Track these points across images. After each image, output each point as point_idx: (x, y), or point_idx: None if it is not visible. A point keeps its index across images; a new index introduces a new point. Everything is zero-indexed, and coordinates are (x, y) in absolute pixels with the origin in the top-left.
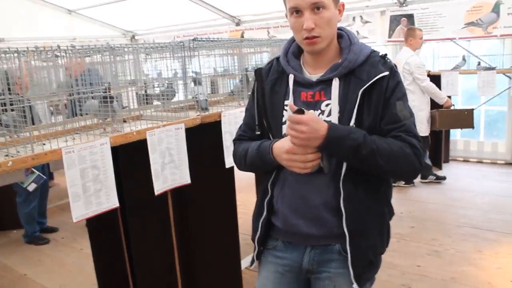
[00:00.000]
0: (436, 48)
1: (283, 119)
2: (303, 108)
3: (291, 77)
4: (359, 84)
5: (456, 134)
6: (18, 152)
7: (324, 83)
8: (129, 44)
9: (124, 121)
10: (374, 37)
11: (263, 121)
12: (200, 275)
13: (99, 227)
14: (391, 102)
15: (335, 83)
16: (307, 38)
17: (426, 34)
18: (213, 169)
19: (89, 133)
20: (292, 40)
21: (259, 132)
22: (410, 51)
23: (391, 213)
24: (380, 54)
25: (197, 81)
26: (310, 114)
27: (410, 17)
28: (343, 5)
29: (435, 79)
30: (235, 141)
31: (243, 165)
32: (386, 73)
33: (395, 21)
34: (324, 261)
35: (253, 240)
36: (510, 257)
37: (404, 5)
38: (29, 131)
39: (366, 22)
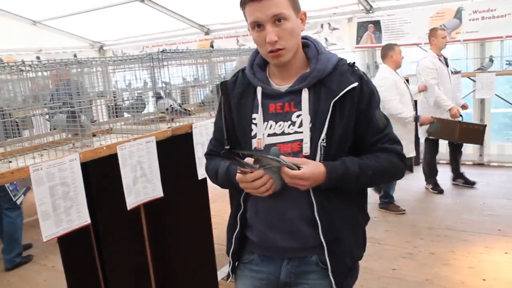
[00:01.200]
0: (403, 53)
1: (252, 133)
2: (296, 165)
3: (259, 90)
4: (330, 95)
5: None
6: None
7: (293, 94)
8: (96, 58)
9: (94, 135)
10: (343, 43)
11: (231, 135)
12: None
13: (71, 243)
14: (371, 114)
15: (305, 94)
16: (271, 51)
17: (393, 40)
18: (186, 181)
19: (57, 148)
20: (257, 51)
21: (228, 147)
22: (431, 52)
23: (366, 218)
24: (348, 63)
25: (166, 93)
26: (307, 163)
27: (377, 24)
28: (305, 13)
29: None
30: (206, 155)
31: (215, 183)
32: (355, 84)
33: (362, 27)
34: (302, 272)
35: (228, 254)
36: (480, 256)
37: (370, 12)
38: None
39: (334, 29)
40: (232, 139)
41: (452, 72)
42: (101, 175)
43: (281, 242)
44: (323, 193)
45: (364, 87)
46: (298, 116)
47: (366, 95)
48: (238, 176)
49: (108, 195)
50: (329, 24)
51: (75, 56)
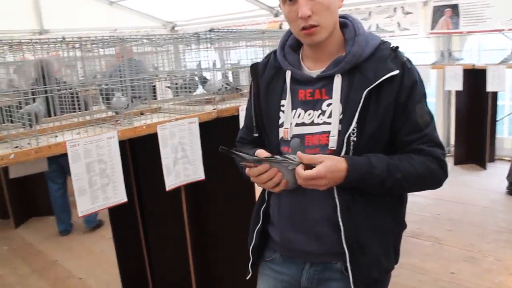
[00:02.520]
0: (482, 40)
1: (280, 121)
2: (311, 164)
3: (288, 74)
4: (365, 83)
5: (503, 132)
6: (29, 144)
7: (326, 80)
8: (145, 36)
9: (142, 114)
10: (416, 28)
11: (259, 123)
12: (214, 268)
13: (120, 219)
14: (410, 108)
15: (337, 80)
16: (304, 28)
17: (472, 26)
18: (230, 164)
19: (103, 126)
20: (290, 32)
21: (257, 134)
22: None
23: (401, 226)
24: (391, 47)
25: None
26: (323, 161)
27: (454, 8)
28: None
29: (480, 73)
30: (237, 143)
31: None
32: (396, 72)
33: (438, 11)
34: (324, 279)
35: (249, 249)
36: None
37: None
38: (33, 124)
39: (408, 13)
40: (260, 127)
41: None
42: (144, 154)
43: (302, 244)
44: (349, 193)
45: (406, 76)
46: (328, 105)
47: (407, 85)
48: (247, 169)
49: (153, 173)
50: (402, 7)
51: (146, 34)
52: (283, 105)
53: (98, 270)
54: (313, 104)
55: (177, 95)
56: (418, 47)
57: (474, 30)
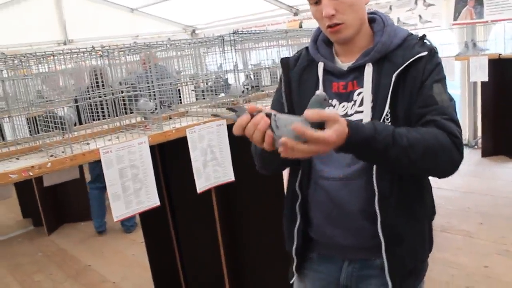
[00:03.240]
0: (509, 29)
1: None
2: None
3: (320, 65)
4: (393, 68)
5: None
6: (63, 152)
7: (357, 71)
8: (165, 41)
9: (170, 118)
10: (439, 20)
11: (290, 112)
12: (247, 270)
13: (151, 222)
14: (427, 83)
15: (368, 68)
16: (329, 26)
17: (497, 14)
18: None
19: (133, 131)
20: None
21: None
22: None
23: (431, 212)
24: (419, 36)
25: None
26: (336, 126)
27: None
28: None
29: (507, 63)
30: None
31: (256, 161)
32: (425, 53)
33: (461, 1)
34: (364, 277)
35: (289, 250)
36: None
37: None
38: (68, 132)
39: (429, 5)
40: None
41: None
42: (174, 158)
43: (341, 239)
44: (388, 180)
45: (431, 58)
46: (359, 94)
47: (431, 66)
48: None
49: (181, 177)
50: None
51: (169, 40)
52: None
53: (131, 274)
54: (347, 96)
55: (203, 98)
56: (441, 39)
57: (499, 19)
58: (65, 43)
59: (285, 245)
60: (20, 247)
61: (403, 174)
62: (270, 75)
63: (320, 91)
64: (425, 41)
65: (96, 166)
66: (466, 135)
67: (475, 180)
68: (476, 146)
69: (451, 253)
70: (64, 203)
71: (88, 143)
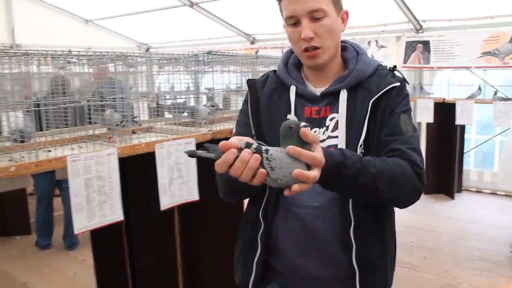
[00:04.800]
0: (452, 76)
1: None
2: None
3: (292, 89)
4: (369, 95)
5: (470, 164)
6: (23, 157)
7: (330, 97)
8: (142, 54)
9: (134, 133)
10: (389, 62)
11: (259, 135)
12: None
13: (103, 239)
14: (395, 112)
15: (343, 94)
16: (306, 50)
17: (442, 62)
18: None
19: (96, 142)
20: (291, 51)
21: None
22: None
23: (395, 238)
24: (388, 68)
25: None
26: (319, 147)
27: (426, 44)
28: (346, 13)
29: (450, 107)
30: None
31: (221, 187)
32: (397, 83)
33: (410, 47)
34: None
35: (243, 283)
36: None
37: (420, 31)
38: (34, 137)
39: (382, 46)
40: (259, 138)
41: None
42: (138, 173)
43: (313, 270)
44: (363, 209)
45: (402, 89)
46: (331, 119)
47: (402, 96)
48: (216, 163)
49: (143, 193)
50: (376, 41)
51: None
52: (288, 119)
53: None
54: (319, 122)
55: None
56: None
57: (444, 66)
58: (11, 47)
59: (235, 277)
60: None
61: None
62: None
63: (292, 118)
64: (395, 72)
65: (43, 182)
66: None
67: (418, 216)
68: None
69: (397, 285)
70: (0, 213)
71: (49, 151)
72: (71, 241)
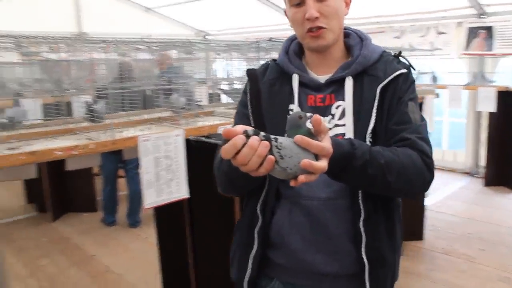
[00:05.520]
0: None
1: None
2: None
3: (295, 77)
4: (376, 82)
5: None
6: (99, 136)
7: (335, 85)
8: (204, 41)
9: (197, 116)
10: (449, 49)
11: (259, 127)
12: None
13: (166, 218)
14: (403, 100)
15: (349, 82)
16: (310, 30)
17: (507, 48)
18: None
19: (162, 124)
20: (292, 38)
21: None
22: None
23: (402, 230)
24: (393, 54)
25: None
26: (327, 138)
27: (489, 30)
28: None
29: None
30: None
31: (219, 181)
32: (404, 70)
33: (472, 33)
34: None
35: (237, 281)
36: None
37: (483, 16)
38: (110, 119)
39: (441, 33)
40: (260, 129)
41: None
42: (200, 154)
43: (322, 265)
44: (373, 201)
45: (409, 76)
46: (337, 107)
47: (408, 84)
48: (223, 148)
49: (205, 174)
50: (436, 27)
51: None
52: (291, 110)
53: (135, 267)
54: (323, 110)
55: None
56: (450, 67)
57: (507, 53)
58: (79, 35)
59: (230, 273)
60: (23, 231)
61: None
62: None
63: (295, 108)
64: (400, 58)
65: (109, 163)
66: (468, 163)
67: (476, 208)
68: (477, 175)
69: (453, 275)
70: (70, 191)
71: (120, 131)
72: (134, 219)
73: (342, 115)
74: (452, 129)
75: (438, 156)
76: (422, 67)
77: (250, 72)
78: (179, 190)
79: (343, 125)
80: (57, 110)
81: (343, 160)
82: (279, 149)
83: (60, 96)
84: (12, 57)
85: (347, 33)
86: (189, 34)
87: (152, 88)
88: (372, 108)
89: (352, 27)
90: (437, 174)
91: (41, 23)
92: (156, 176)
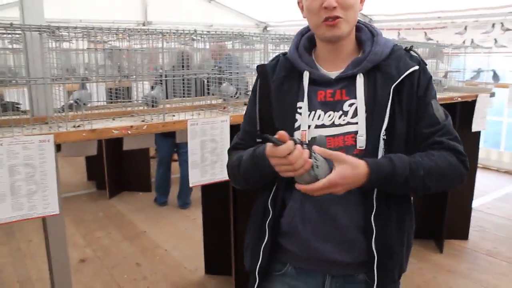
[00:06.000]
0: None
1: (296, 124)
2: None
3: (305, 75)
4: (389, 79)
5: None
6: (152, 119)
7: (346, 81)
8: (257, 33)
9: (245, 104)
10: None
11: (266, 126)
12: None
13: (211, 201)
14: (427, 101)
15: (360, 79)
16: (326, 20)
17: None
18: None
19: (212, 110)
20: (302, 33)
21: (260, 140)
22: None
23: (414, 224)
24: (405, 47)
25: None
26: (340, 168)
27: None
28: None
29: None
30: (230, 150)
31: (237, 178)
32: (416, 67)
33: None
34: None
35: (250, 270)
36: None
37: None
38: (162, 103)
39: (507, 29)
40: (267, 130)
41: None
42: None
43: (331, 253)
44: (385, 196)
45: (422, 72)
46: (350, 105)
47: (425, 81)
48: (269, 148)
49: None
50: (501, 23)
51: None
52: (300, 107)
53: (182, 245)
54: (333, 105)
55: None
56: None
57: None
58: (144, 24)
59: (245, 263)
60: (83, 205)
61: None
62: None
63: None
64: (411, 52)
65: (165, 146)
66: None
67: None
68: None
69: (494, 277)
70: (127, 172)
71: (173, 115)
72: (184, 201)
73: (355, 113)
74: (510, 130)
75: (494, 157)
76: (482, 64)
77: (260, 69)
78: (222, 172)
79: (356, 123)
80: (118, 94)
81: (385, 181)
82: (316, 160)
83: (122, 82)
84: (81, 44)
85: (359, 27)
86: (250, 25)
87: (204, 76)
88: (386, 107)
89: (413, 21)
90: (492, 175)
91: (110, 11)
92: (202, 157)
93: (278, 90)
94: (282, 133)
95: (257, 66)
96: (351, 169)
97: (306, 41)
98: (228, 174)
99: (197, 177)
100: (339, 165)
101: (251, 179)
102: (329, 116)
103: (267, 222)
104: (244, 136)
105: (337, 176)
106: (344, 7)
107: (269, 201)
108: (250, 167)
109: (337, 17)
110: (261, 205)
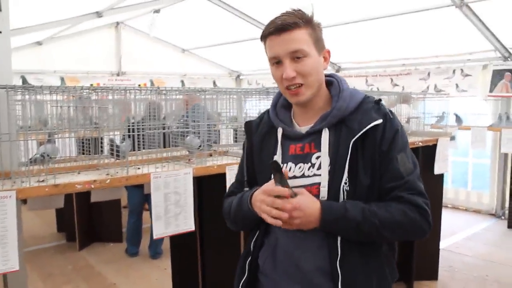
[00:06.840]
0: None
1: (272, 176)
2: (291, 190)
3: (279, 131)
4: (350, 134)
5: None
6: (117, 172)
7: (314, 135)
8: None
9: (211, 155)
10: (474, 91)
11: (251, 177)
12: None
13: (181, 248)
14: (392, 156)
15: (325, 134)
16: (288, 88)
17: None
18: None
19: (177, 163)
20: (280, 92)
21: (247, 189)
22: None
23: (394, 275)
24: (374, 100)
25: None
26: (303, 197)
27: None
28: (328, 52)
29: None
30: (225, 198)
31: (229, 221)
32: (379, 121)
33: (497, 75)
34: None
35: None
36: None
37: (509, 59)
38: (126, 157)
39: (467, 75)
40: (252, 181)
41: None
42: (211, 190)
43: None
44: (351, 243)
45: (388, 125)
46: (317, 157)
47: (390, 135)
48: (266, 185)
49: (215, 209)
50: (461, 70)
51: (214, 82)
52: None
53: None
54: (303, 158)
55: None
56: (475, 109)
57: None
58: (118, 74)
59: None
60: (51, 258)
61: None
62: None
63: (278, 159)
64: (380, 105)
65: (135, 196)
66: (493, 205)
67: (497, 250)
68: (503, 217)
69: None
70: (97, 222)
71: (139, 168)
72: (155, 251)
73: (321, 165)
74: (476, 170)
75: (462, 196)
76: (445, 108)
77: (246, 127)
78: (186, 224)
79: (320, 175)
80: (88, 146)
81: (336, 222)
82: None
83: (91, 132)
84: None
85: (330, 81)
86: (222, 74)
87: (168, 131)
88: (345, 161)
89: (379, 68)
90: (461, 215)
91: (85, 62)
92: (165, 209)
93: (259, 145)
94: (282, 190)
95: (245, 123)
96: (309, 202)
97: (285, 99)
98: (224, 216)
99: (161, 229)
100: (301, 195)
101: (239, 221)
102: (300, 168)
103: (248, 261)
104: (238, 185)
105: (303, 202)
106: (303, 74)
107: (252, 242)
108: (237, 211)
109: (299, 85)
110: (248, 246)
